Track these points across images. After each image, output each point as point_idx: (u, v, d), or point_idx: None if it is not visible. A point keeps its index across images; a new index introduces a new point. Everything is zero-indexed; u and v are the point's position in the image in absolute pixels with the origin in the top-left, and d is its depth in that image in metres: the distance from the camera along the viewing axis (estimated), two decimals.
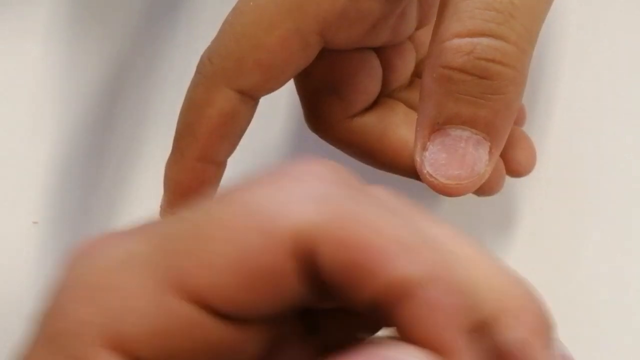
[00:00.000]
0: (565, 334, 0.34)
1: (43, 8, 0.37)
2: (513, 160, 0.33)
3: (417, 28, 0.32)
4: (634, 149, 0.35)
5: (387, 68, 0.32)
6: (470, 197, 0.32)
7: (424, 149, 0.26)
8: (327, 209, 0.17)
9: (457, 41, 0.24)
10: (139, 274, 0.17)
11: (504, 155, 0.33)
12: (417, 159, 0.26)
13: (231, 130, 0.28)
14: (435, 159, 0.26)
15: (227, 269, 0.17)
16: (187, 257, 0.17)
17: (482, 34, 0.24)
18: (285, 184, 0.18)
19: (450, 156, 0.25)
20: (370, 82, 0.31)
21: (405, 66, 0.33)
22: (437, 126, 0.25)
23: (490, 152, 0.25)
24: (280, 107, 0.36)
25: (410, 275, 0.16)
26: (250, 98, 0.28)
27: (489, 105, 0.25)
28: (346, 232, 0.17)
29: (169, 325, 0.17)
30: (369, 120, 0.31)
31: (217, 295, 0.17)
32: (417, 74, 0.34)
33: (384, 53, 0.31)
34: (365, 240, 0.17)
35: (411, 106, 0.33)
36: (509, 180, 0.33)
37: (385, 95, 0.33)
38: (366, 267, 0.16)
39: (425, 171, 0.26)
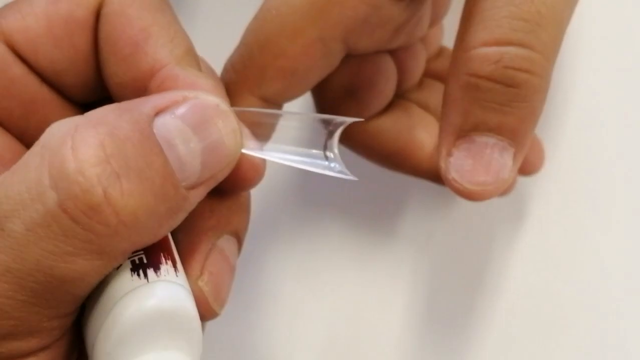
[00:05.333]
0: (574, 330, 0.35)
1: None
2: (523, 160, 0.33)
3: (429, 28, 0.33)
4: None
5: (401, 70, 0.32)
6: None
7: (449, 154, 0.26)
8: None
9: (484, 50, 0.24)
10: None
11: None
12: (442, 164, 0.26)
13: (255, 137, 0.28)
14: (461, 165, 0.26)
15: (36, 15, 0.23)
16: (11, 6, 0.23)
17: (510, 43, 0.24)
18: None
19: (476, 162, 0.26)
20: (386, 84, 0.31)
21: (418, 67, 0.33)
22: (463, 133, 0.26)
23: (514, 158, 0.26)
24: (293, 109, 0.36)
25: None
26: (273, 105, 0.28)
27: (515, 113, 0.25)
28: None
29: None
30: (384, 123, 0.32)
31: (23, 36, 0.22)
32: (426, 73, 0.34)
33: (398, 55, 0.32)
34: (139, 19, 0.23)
35: (422, 105, 0.34)
36: (517, 178, 0.34)
37: (397, 96, 0.33)
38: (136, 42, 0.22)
39: (450, 177, 0.26)
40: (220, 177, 0.22)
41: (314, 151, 0.23)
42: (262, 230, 0.35)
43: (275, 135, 0.24)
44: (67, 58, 0.23)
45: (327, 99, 0.31)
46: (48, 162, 0.19)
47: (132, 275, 0.21)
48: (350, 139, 0.31)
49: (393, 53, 0.31)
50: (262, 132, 0.28)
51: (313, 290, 0.36)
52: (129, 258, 0.21)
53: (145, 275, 0.21)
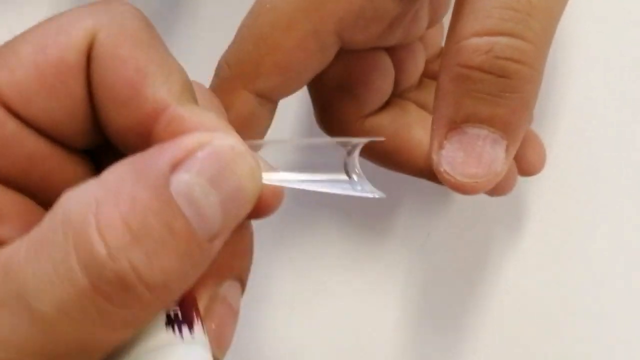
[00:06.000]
0: (574, 329, 0.35)
1: (43, 8, 0.37)
2: (524, 160, 0.33)
3: (427, 27, 0.33)
4: None
5: (398, 68, 0.32)
6: (481, 197, 0.33)
7: (441, 147, 0.26)
8: (120, 20, 0.22)
9: (475, 40, 0.24)
10: None
11: (515, 155, 0.33)
12: (434, 157, 0.26)
13: (251, 134, 0.28)
14: (453, 157, 0.26)
15: (23, 64, 0.21)
16: None
17: (501, 33, 0.24)
18: (88, 7, 0.22)
19: (468, 154, 0.25)
20: (383, 82, 0.31)
21: (416, 66, 0.33)
22: (454, 125, 0.25)
23: (507, 151, 0.26)
24: (290, 108, 0.36)
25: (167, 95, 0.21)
26: (268, 101, 0.28)
27: (507, 104, 0.25)
28: (124, 33, 0.22)
29: None
30: (382, 121, 0.32)
31: (13, 90, 0.21)
32: (426, 73, 0.34)
33: (395, 53, 0.31)
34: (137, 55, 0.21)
35: (421, 106, 0.34)
36: (517, 179, 0.33)
37: (396, 96, 0.33)
38: (135, 82, 0.21)
39: (442, 169, 0.26)
40: (243, 218, 0.21)
41: (334, 174, 0.23)
42: (258, 229, 0.35)
43: (291, 162, 0.24)
44: (63, 107, 0.22)
45: (323, 95, 0.31)
46: (74, 242, 0.19)
47: (167, 328, 0.21)
48: (347, 136, 0.31)
49: (390, 51, 0.31)
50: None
51: (308, 290, 0.35)
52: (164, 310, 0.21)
53: (180, 331, 0.21)
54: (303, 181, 0.23)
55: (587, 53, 0.36)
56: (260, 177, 0.21)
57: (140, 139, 0.22)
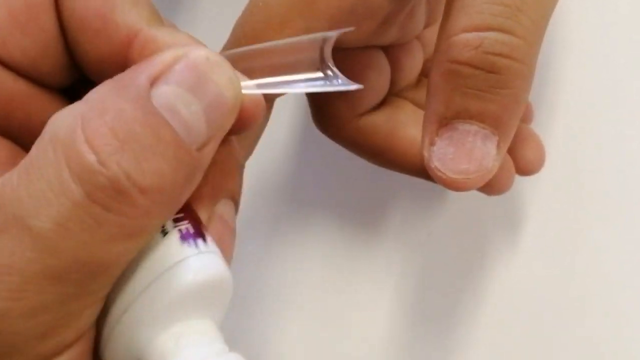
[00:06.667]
0: (573, 329, 0.34)
1: None
2: (522, 159, 0.33)
3: (425, 27, 0.33)
4: None
5: (395, 67, 0.32)
6: (479, 196, 0.32)
7: (432, 143, 0.26)
8: None
9: (464, 35, 0.24)
10: None
11: (513, 154, 0.33)
12: (425, 153, 0.26)
13: (247, 134, 0.28)
14: (443, 154, 0.25)
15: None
16: None
17: (490, 28, 0.24)
18: None
19: (458, 150, 0.25)
20: (379, 80, 0.31)
21: (413, 65, 0.33)
22: (445, 121, 0.25)
23: (498, 147, 0.25)
24: (287, 107, 0.36)
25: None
26: (264, 100, 0.28)
27: (497, 99, 0.25)
28: None
29: None
30: (377, 119, 0.32)
31: None
32: (424, 73, 0.34)
33: (392, 52, 0.31)
34: None
35: (419, 105, 0.33)
36: (515, 178, 0.33)
37: (393, 95, 0.33)
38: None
39: (433, 165, 0.26)
40: (227, 127, 0.22)
41: (310, 74, 0.23)
42: (255, 228, 0.35)
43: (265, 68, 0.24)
44: (38, 44, 0.22)
45: (318, 93, 0.31)
46: (64, 157, 0.19)
47: (181, 243, 0.22)
48: (342, 135, 0.31)
49: (387, 49, 0.31)
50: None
51: (306, 289, 0.35)
52: (175, 227, 0.22)
53: (196, 244, 0.22)
54: (280, 84, 0.23)
55: (588, 53, 0.35)
56: (239, 85, 0.22)
57: (116, 67, 0.22)
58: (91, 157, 0.19)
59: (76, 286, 0.19)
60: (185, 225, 0.22)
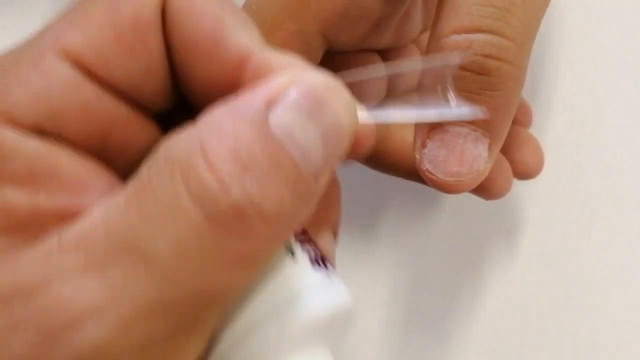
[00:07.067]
0: (571, 333, 0.34)
1: (44, 7, 0.38)
2: (521, 162, 0.33)
3: (422, 31, 0.33)
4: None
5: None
6: (476, 200, 0.32)
7: (423, 146, 0.26)
8: None
9: (454, 37, 0.24)
10: (28, 51, 0.20)
11: (511, 157, 0.33)
12: (417, 156, 0.26)
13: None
14: (435, 156, 0.25)
15: (98, 25, 0.20)
16: (65, 22, 0.20)
17: (480, 30, 0.24)
18: None
19: (449, 153, 0.25)
20: (375, 84, 0.31)
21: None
22: (436, 123, 0.25)
23: (489, 149, 0.25)
24: None
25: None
26: None
27: (488, 101, 0.24)
28: None
29: (50, 86, 0.19)
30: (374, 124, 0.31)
31: (90, 52, 0.20)
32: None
33: (388, 56, 0.31)
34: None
35: None
36: (513, 183, 0.33)
37: (392, 99, 0.33)
38: (215, 33, 0.20)
39: (424, 168, 0.26)
40: (342, 155, 0.21)
41: (431, 97, 0.23)
42: None
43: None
44: (143, 66, 0.21)
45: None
46: (183, 179, 0.18)
47: (313, 268, 0.21)
48: None
49: (383, 53, 0.31)
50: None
51: None
52: (302, 248, 0.21)
53: (327, 271, 0.21)
54: (400, 114, 0.22)
55: (588, 53, 0.35)
56: (356, 112, 0.21)
57: (226, 91, 0.21)
58: (213, 181, 0.18)
59: (190, 316, 0.18)
60: (312, 248, 0.21)
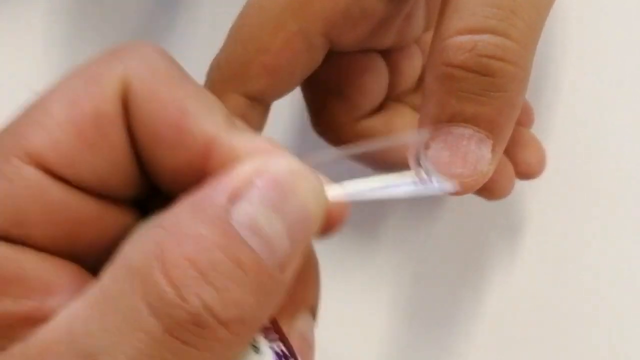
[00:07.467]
0: (572, 335, 0.34)
1: (42, 7, 0.38)
2: (523, 162, 0.33)
3: (424, 31, 0.32)
4: None
5: (393, 71, 0.32)
6: (479, 201, 0.32)
7: (427, 147, 0.26)
8: (148, 62, 0.21)
9: (458, 38, 0.24)
10: None
11: (513, 158, 0.33)
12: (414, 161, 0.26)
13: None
14: (438, 157, 0.25)
15: (59, 123, 0.20)
16: (26, 121, 0.20)
17: (484, 31, 0.24)
18: (113, 54, 0.21)
19: (453, 154, 0.25)
20: (377, 84, 0.31)
21: (412, 69, 0.33)
22: (440, 124, 0.25)
23: (493, 150, 0.25)
24: (284, 111, 0.36)
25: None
26: (259, 103, 0.28)
27: (492, 102, 0.24)
28: (158, 80, 0.20)
29: (14, 191, 0.19)
30: (375, 124, 0.31)
31: (53, 152, 0.20)
32: (423, 77, 0.34)
33: (390, 56, 0.31)
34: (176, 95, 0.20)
35: (418, 110, 0.33)
36: (516, 183, 0.33)
37: (392, 99, 0.33)
38: (181, 122, 0.20)
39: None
40: (309, 241, 0.21)
41: (401, 175, 0.22)
42: None
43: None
44: (108, 160, 0.21)
45: (316, 97, 0.31)
46: (141, 289, 0.18)
47: None
48: (340, 139, 0.31)
49: (385, 53, 0.31)
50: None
51: None
52: (268, 346, 0.21)
53: None
54: (370, 191, 0.22)
55: (588, 54, 0.35)
56: (325, 195, 0.20)
57: (193, 178, 0.21)
58: (170, 291, 0.18)
59: None
60: (277, 343, 0.21)
